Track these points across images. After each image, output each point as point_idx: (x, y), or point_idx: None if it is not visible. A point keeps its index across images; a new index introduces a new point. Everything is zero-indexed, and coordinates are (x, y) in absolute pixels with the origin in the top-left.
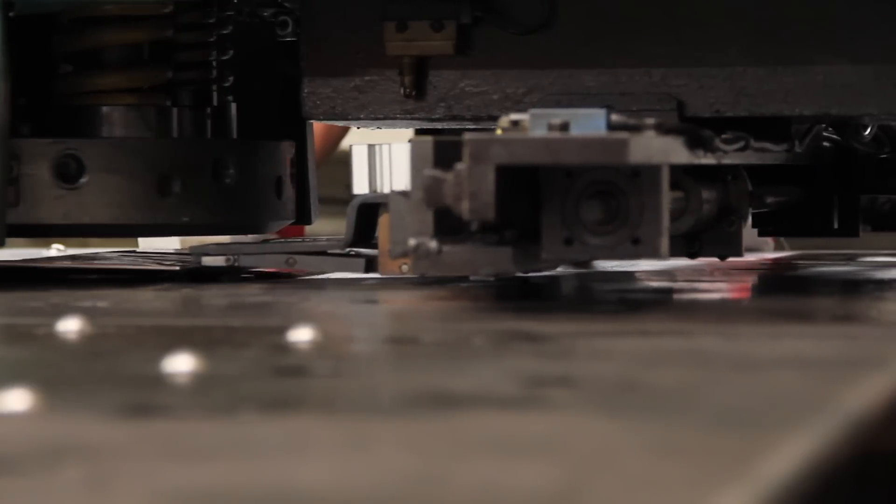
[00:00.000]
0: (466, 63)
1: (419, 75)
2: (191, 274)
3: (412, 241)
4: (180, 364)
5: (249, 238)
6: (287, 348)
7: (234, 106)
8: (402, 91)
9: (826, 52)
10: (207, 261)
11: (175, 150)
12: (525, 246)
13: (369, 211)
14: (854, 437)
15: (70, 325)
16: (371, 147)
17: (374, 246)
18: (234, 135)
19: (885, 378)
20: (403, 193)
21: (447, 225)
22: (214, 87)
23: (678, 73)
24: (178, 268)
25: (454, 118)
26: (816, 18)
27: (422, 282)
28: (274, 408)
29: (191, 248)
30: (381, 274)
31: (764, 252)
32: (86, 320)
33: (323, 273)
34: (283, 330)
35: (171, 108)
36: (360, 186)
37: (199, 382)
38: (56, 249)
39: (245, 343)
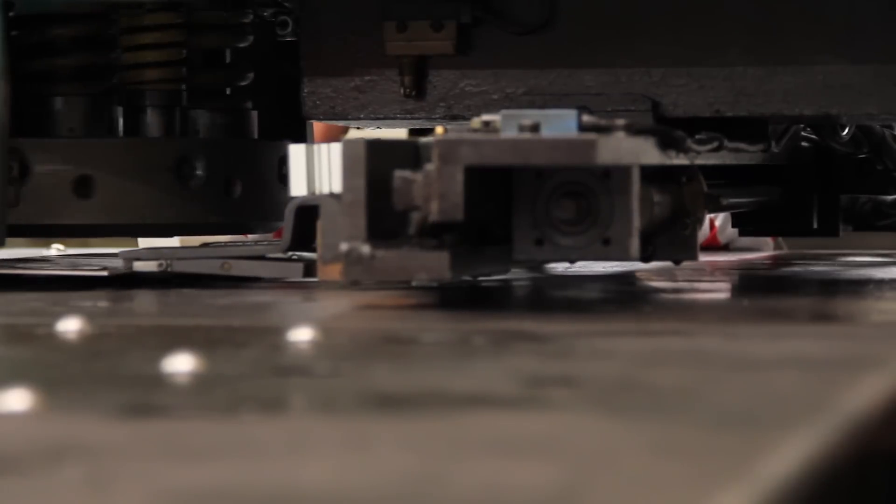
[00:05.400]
0: (466, 63)
1: (419, 75)
2: (121, 280)
3: (344, 246)
4: (180, 364)
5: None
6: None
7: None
8: (402, 91)
9: (826, 52)
10: (139, 266)
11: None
12: (470, 249)
13: (309, 213)
14: (854, 437)
15: (70, 325)
16: (309, 147)
17: (315, 250)
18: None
19: (885, 378)
20: (335, 196)
21: (382, 229)
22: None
23: (678, 73)
24: (105, 273)
25: (454, 118)
26: (816, 18)
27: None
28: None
29: (121, 252)
30: (320, 278)
31: (763, 251)
32: (86, 320)
33: (259, 278)
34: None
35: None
36: (297, 188)
37: (200, 382)
38: (56, 249)
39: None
